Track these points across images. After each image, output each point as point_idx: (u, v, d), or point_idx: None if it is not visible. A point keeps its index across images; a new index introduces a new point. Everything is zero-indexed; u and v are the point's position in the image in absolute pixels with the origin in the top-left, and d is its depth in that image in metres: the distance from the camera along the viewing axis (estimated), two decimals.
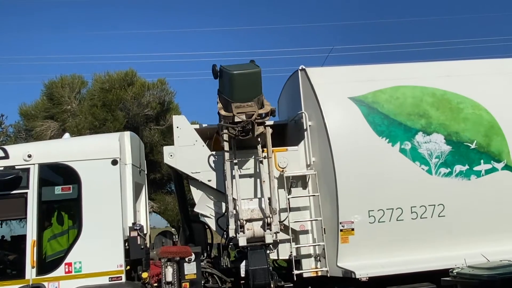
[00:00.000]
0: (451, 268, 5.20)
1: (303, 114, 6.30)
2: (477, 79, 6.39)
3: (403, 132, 6.02)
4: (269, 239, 5.57)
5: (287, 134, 7.21)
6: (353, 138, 5.99)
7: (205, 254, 6.24)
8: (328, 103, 6.07)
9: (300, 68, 6.47)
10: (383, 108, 6.10)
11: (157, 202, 14.11)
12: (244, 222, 5.58)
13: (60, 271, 5.30)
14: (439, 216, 5.88)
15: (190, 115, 13.11)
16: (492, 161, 6.05)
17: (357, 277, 5.48)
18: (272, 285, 5.47)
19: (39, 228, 5.39)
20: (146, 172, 7.54)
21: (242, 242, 5.55)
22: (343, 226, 5.75)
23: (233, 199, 5.85)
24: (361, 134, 5.99)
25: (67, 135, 6.38)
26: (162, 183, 13.92)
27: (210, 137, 7.32)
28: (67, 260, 5.34)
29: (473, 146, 6.05)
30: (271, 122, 7.26)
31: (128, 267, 5.59)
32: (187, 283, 5.47)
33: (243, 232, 5.55)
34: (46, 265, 5.33)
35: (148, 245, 6.54)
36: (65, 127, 12.17)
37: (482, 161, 6.03)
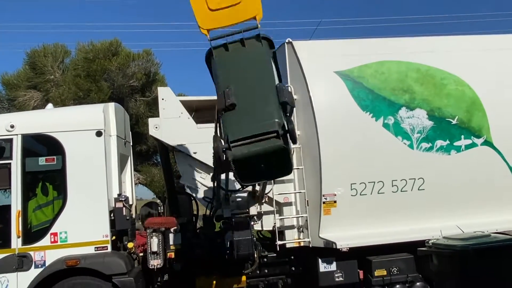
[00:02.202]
0: (427, 239, 5.40)
1: (289, 87, 6.29)
2: (461, 55, 6.44)
3: (386, 107, 6.09)
4: (253, 210, 5.67)
5: None
6: (338, 113, 6.04)
7: (190, 226, 6.33)
8: (314, 77, 6.08)
9: (286, 41, 6.42)
10: (368, 83, 6.14)
11: (143, 174, 14.13)
12: (229, 194, 5.66)
13: (45, 240, 5.36)
14: (418, 189, 6.04)
15: (176, 87, 13.04)
16: (472, 137, 6.19)
17: (337, 247, 5.65)
18: (255, 255, 5.61)
19: (23, 199, 5.40)
20: (131, 144, 7.54)
21: (227, 213, 5.65)
22: (325, 199, 5.88)
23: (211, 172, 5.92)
24: (345, 109, 6.05)
25: (50, 105, 6.31)
26: (148, 155, 13.92)
27: (196, 109, 7.32)
28: (52, 230, 5.39)
29: (454, 122, 6.17)
30: None
31: (114, 238, 5.67)
32: (172, 253, 5.59)
33: (228, 204, 5.63)
34: (31, 235, 5.38)
35: (134, 216, 6.62)
36: (49, 97, 11.96)
37: (462, 136, 6.16)
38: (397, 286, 5.91)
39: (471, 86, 6.31)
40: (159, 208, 6.84)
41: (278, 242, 5.92)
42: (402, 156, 6.02)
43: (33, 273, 5.22)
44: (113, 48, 12.71)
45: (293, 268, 6.34)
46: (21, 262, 5.24)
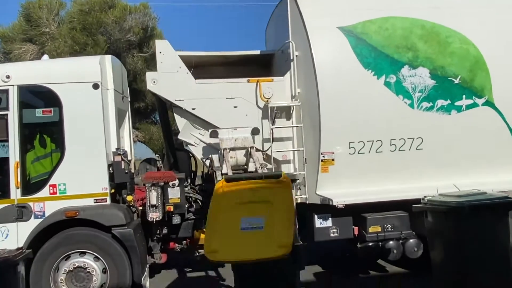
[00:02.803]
0: (424, 196, 5.42)
1: (290, 43, 6.17)
2: (468, 12, 6.27)
3: (389, 65, 5.98)
4: (251, 167, 5.69)
5: (274, 64, 7.10)
6: (340, 70, 5.94)
7: (189, 181, 6.38)
8: (316, 33, 5.93)
9: None
10: (372, 40, 6.00)
11: (142, 132, 14.11)
12: (228, 150, 5.66)
13: (45, 192, 5.40)
14: (417, 149, 6.04)
15: (174, 43, 12.76)
16: (474, 97, 6.12)
17: (334, 204, 5.72)
18: None
19: (21, 150, 5.40)
20: (129, 99, 7.46)
21: (225, 170, 5.67)
22: (323, 157, 5.89)
23: (216, 128, 5.92)
24: (347, 66, 5.94)
25: (45, 56, 6.18)
26: (147, 112, 13.83)
27: (195, 66, 7.19)
28: (51, 182, 5.41)
29: (457, 81, 6.08)
30: (257, 52, 7.17)
31: (113, 191, 5.72)
32: (171, 207, 5.65)
33: (227, 160, 5.64)
34: (30, 186, 5.42)
35: (132, 171, 6.66)
36: (44, 50, 11.72)
37: (464, 96, 6.10)
38: (391, 242, 6.04)
39: (476, 45, 6.17)
40: (157, 163, 6.87)
41: None
42: (402, 115, 5.98)
43: (32, 224, 5.29)
44: (109, 0, 12.34)
45: None
46: (21, 213, 5.30)
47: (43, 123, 5.54)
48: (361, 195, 5.93)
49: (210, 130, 5.89)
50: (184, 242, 6.36)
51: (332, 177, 5.93)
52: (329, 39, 5.97)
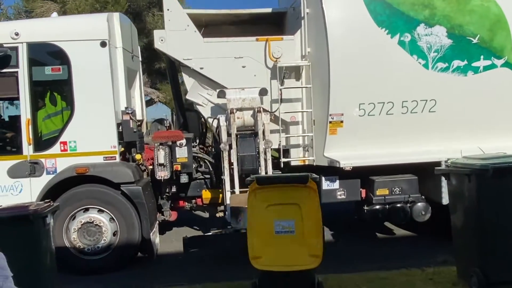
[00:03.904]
0: (447, 158, 5.24)
1: (301, 0, 5.96)
2: None
3: (404, 23, 5.73)
4: (259, 128, 5.66)
5: (286, 23, 6.91)
6: (352, 28, 5.74)
7: (197, 141, 6.40)
8: None
9: None
10: None
11: (163, 92, 14.13)
12: (235, 110, 5.62)
13: (56, 149, 5.52)
14: (429, 111, 5.87)
15: (195, 2, 12.55)
16: (492, 57, 5.85)
17: (341, 166, 5.68)
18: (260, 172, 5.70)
19: (32, 107, 5.50)
20: (140, 59, 7.43)
21: (233, 130, 5.67)
22: (332, 118, 5.80)
23: (224, 88, 5.87)
24: (360, 24, 5.73)
25: (55, 13, 6.17)
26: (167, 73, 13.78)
27: (205, 24, 7.06)
28: (62, 139, 5.53)
29: (475, 41, 5.81)
30: (269, 10, 6.97)
31: (123, 149, 5.82)
32: (179, 165, 5.73)
33: (234, 120, 5.62)
34: (42, 143, 5.55)
35: (143, 130, 6.74)
36: (66, 9, 11.71)
37: (482, 56, 5.83)
38: (398, 205, 6.01)
39: (498, 3, 5.84)
40: (165, 123, 6.91)
41: (283, 160, 5.98)
42: (416, 76, 5.79)
43: (45, 179, 5.46)
44: None
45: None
46: (33, 168, 5.46)
47: (52, 81, 5.59)
48: (369, 158, 5.86)
49: (217, 90, 5.84)
50: (194, 201, 6.47)
51: (340, 139, 5.86)
52: None
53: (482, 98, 5.93)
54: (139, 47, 7.41)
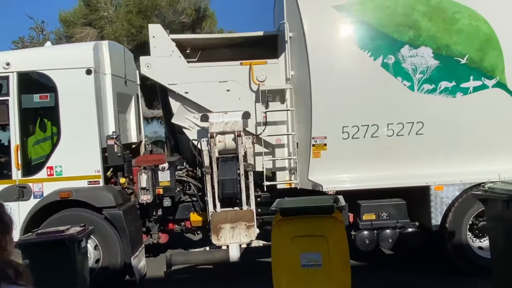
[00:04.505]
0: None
1: (285, 24, 5.97)
2: None
3: (387, 45, 5.63)
4: (240, 152, 5.66)
5: (278, 45, 6.93)
6: (333, 51, 5.70)
7: (185, 164, 6.44)
8: (309, 12, 5.70)
9: None
10: (370, 18, 5.67)
11: None
12: (215, 134, 5.64)
13: (43, 173, 5.70)
14: (416, 134, 5.70)
15: (227, 23, 12.90)
16: (483, 78, 5.64)
17: (324, 190, 5.58)
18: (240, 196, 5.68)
19: (21, 134, 5.71)
20: (138, 83, 7.60)
21: (213, 153, 5.68)
22: (315, 141, 5.72)
23: (209, 111, 5.92)
24: (342, 47, 5.68)
25: (48, 43, 6.43)
26: None
27: (202, 48, 7.19)
28: (48, 164, 5.70)
29: (463, 61, 5.63)
30: (261, 33, 7.01)
31: (111, 173, 5.93)
32: (161, 189, 5.77)
33: (215, 144, 5.64)
34: (30, 168, 5.74)
35: (143, 153, 6.86)
36: (103, 34, 12.21)
37: (471, 77, 5.64)
38: (387, 230, 5.82)
39: (488, 21, 5.65)
40: (164, 146, 7.01)
41: (266, 183, 5.93)
42: (401, 98, 5.66)
43: (32, 203, 5.62)
44: None
45: None
46: (22, 192, 5.64)
47: (41, 108, 5.80)
48: (354, 182, 5.74)
49: (200, 114, 5.89)
50: (183, 223, 6.49)
51: (324, 162, 5.76)
52: (324, 19, 5.72)
53: (473, 120, 5.71)
54: (137, 71, 7.58)
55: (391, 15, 5.66)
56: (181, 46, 7.05)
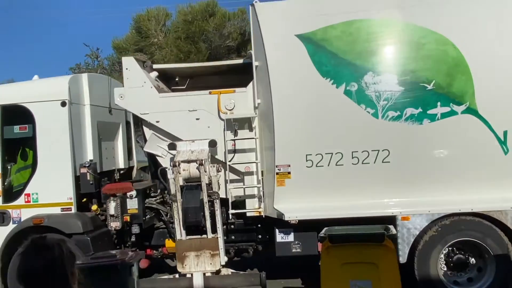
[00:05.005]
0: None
1: (251, 53, 6.07)
2: (446, 7, 5.56)
3: (350, 72, 5.58)
4: (204, 180, 5.73)
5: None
6: (296, 80, 5.70)
7: (159, 191, 6.56)
8: (272, 42, 5.75)
9: (253, 2, 6.11)
10: (332, 46, 5.64)
11: None
12: (179, 162, 5.76)
13: (21, 200, 6.03)
14: (383, 162, 5.55)
15: None
16: (451, 104, 5.44)
17: (286, 219, 5.53)
18: (203, 223, 5.72)
19: (2, 163, 6.07)
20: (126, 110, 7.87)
21: (180, 181, 5.79)
22: (279, 169, 5.71)
23: (179, 139, 6.07)
24: (304, 75, 5.67)
25: (36, 76, 6.85)
26: None
27: (191, 76, 7.42)
28: (26, 191, 6.03)
29: (430, 87, 5.46)
30: (240, 61, 7.15)
31: (85, 200, 6.17)
32: (128, 217, 5.93)
33: (179, 172, 5.75)
34: (10, 195, 6.09)
35: (133, 178, 7.09)
36: (153, 59, 12.86)
37: (439, 103, 5.45)
38: None
39: (456, 45, 5.47)
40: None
41: (231, 211, 5.95)
42: (365, 126, 5.55)
43: (10, 228, 5.94)
44: (210, 9, 13.13)
45: (260, 236, 6.36)
46: (2, 218, 5.99)
47: (20, 139, 6.16)
48: (319, 210, 5.63)
49: (168, 143, 6.04)
50: (160, 249, 6.60)
51: (289, 190, 5.72)
52: (286, 48, 5.75)
53: (442, 148, 5.51)
54: None
55: (353, 42, 5.62)
56: (170, 74, 7.36)
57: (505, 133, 5.40)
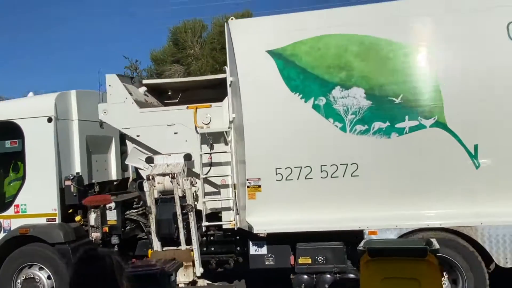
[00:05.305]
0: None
1: (226, 69, 6.23)
2: (417, 20, 5.54)
3: (318, 86, 5.64)
4: (177, 193, 5.91)
5: None
6: (266, 95, 5.81)
7: (142, 203, 6.78)
8: (244, 58, 5.90)
9: (230, 19, 6.29)
10: (301, 61, 5.73)
11: None
12: (154, 176, 5.96)
13: (11, 211, 6.41)
14: (351, 175, 5.56)
15: None
16: (419, 117, 5.40)
17: (254, 232, 5.62)
18: (177, 235, 5.89)
19: None
20: None
21: (155, 194, 6.00)
22: (250, 183, 5.81)
23: (159, 153, 6.29)
24: (274, 90, 5.77)
25: (31, 93, 7.28)
26: None
27: (184, 90, 7.67)
28: (16, 202, 6.41)
29: (398, 101, 5.44)
30: (217, 76, 7.33)
31: (71, 211, 6.49)
32: (107, 228, 6.18)
33: (154, 185, 5.96)
34: (3, 206, 6.48)
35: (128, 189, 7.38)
36: (190, 70, 13.30)
37: (407, 117, 5.42)
38: (327, 275, 5.66)
39: (426, 59, 5.44)
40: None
41: (204, 224, 6.09)
42: (333, 139, 5.58)
43: (1, 237, 6.31)
44: None
45: (238, 248, 6.46)
46: None
47: (12, 153, 6.56)
48: (288, 224, 5.71)
49: (145, 157, 6.26)
50: (144, 259, 6.81)
51: (260, 203, 5.81)
52: (257, 64, 5.88)
53: (411, 162, 5.45)
54: None
55: (322, 57, 5.68)
56: (164, 89, 7.64)
57: (475, 147, 5.30)
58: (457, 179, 5.34)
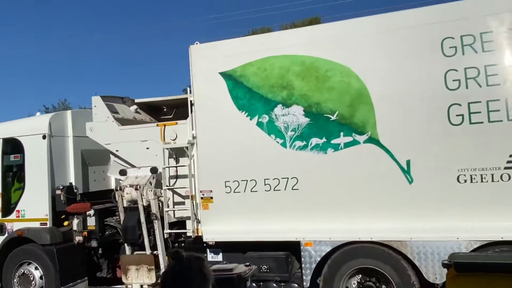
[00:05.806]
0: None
1: (187, 89, 6.82)
2: (353, 41, 5.73)
3: (262, 105, 6.03)
4: (142, 202, 6.57)
5: None
6: (216, 114, 6.31)
7: None
8: (199, 78, 6.45)
9: (195, 44, 6.87)
10: (249, 82, 6.16)
11: None
12: (123, 187, 6.68)
13: (13, 215, 7.48)
14: (292, 189, 5.87)
15: None
16: (353, 133, 5.59)
17: (204, 240, 6.11)
18: (141, 240, 6.55)
19: (3, 185, 7.61)
20: None
21: (125, 203, 6.72)
22: (203, 194, 6.33)
23: (134, 166, 7.02)
24: (224, 110, 6.25)
25: (38, 113, 8.39)
26: None
27: (177, 106, 8.42)
28: (17, 208, 7.47)
29: (333, 118, 5.68)
30: (181, 96, 7.92)
31: (63, 216, 7.43)
32: (86, 232, 7.01)
33: (123, 196, 6.68)
34: (7, 211, 7.58)
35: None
36: None
37: (342, 133, 5.64)
38: (273, 284, 6.00)
39: (360, 77, 5.63)
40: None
41: (166, 231, 6.67)
42: (274, 155, 5.94)
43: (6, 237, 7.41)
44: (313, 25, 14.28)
45: (205, 255, 6.97)
46: (1, 229, 7.48)
47: (15, 165, 7.65)
48: (235, 233, 6.13)
49: (119, 170, 7.01)
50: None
51: (212, 214, 6.30)
52: (210, 85, 6.39)
53: (346, 176, 5.64)
54: None
55: (267, 77, 6.06)
56: (159, 106, 8.42)
57: (408, 162, 5.38)
58: (390, 194, 5.45)
